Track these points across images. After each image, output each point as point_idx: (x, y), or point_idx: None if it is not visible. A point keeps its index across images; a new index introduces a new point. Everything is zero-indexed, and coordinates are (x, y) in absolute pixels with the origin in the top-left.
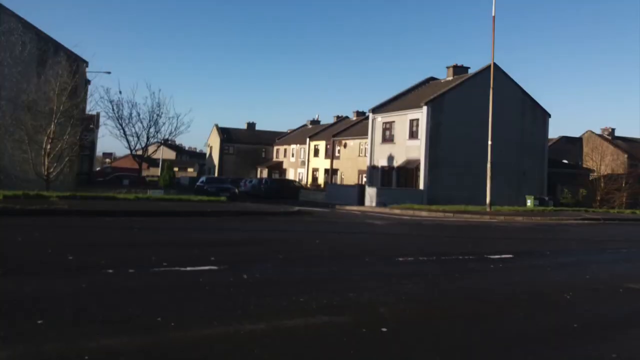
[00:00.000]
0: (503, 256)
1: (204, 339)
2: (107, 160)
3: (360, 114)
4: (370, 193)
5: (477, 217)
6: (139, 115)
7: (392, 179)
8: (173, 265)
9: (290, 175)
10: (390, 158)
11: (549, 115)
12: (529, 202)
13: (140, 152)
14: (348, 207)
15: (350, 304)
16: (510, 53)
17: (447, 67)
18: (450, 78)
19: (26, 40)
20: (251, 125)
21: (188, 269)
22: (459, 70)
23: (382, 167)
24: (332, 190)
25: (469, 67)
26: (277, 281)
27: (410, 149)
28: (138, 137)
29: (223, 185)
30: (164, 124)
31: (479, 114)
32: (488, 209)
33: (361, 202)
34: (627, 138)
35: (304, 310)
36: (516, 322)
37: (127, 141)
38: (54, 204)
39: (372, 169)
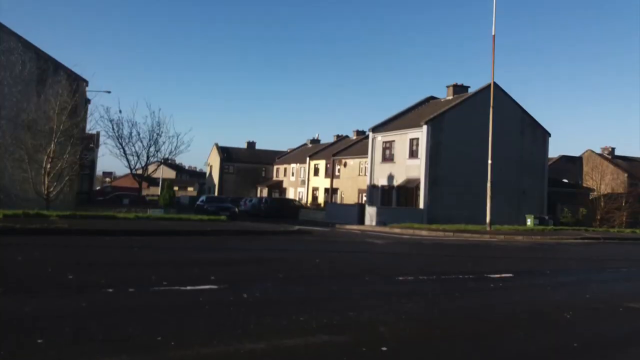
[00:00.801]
0: (503, 275)
1: (204, 358)
2: (107, 179)
3: (360, 133)
4: (370, 212)
5: (477, 236)
6: (139, 134)
7: (392, 198)
8: (173, 285)
9: (290, 194)
10: (390, 177)
11: (549, 135)
12: (528, 221)
13: (140, 171)
14: (348, 226)
15: (350, 323)
16: (510, 72)
17: (447, 87)
18: (450, 97)
19: (26, 60)
20: (251, 145)
21: (188, 288)
22: (459, 89)
23: (382, 186)
24: (332, 210)
25: (469, 87)
26: (277, 300)
27: (410, 168)
28: (138, 156)
29: (223, 204)
30: (164, 143)
31: (479, 133)
32: (488, 228)
33: (361, 221)
34: (627, 157)
35: (304, 329)
36: (516, 341)
37: (127, 160)
38: (54, 223)
39: (372, 188)
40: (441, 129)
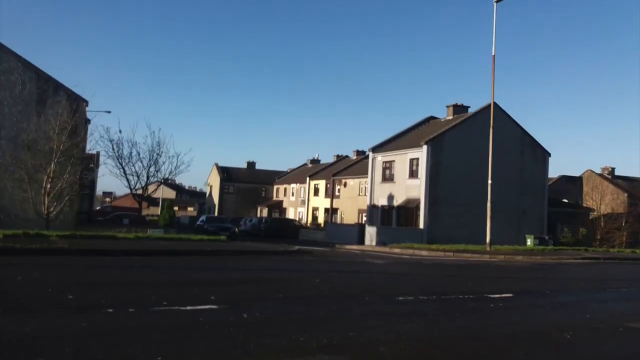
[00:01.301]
0: (503, 295)
1: None
2: (107, 199)
3: (360, 153)
4: (370, 232)
5: (477, 256)
6: (139, 154)
7: (392, 218)
8: (173, 305)
9: (290, 214)
10: (390, 197)
11: (549, 155)
12: (529, 242)
13: (140, 191)
14: (348, 246)
15: (350, 343)
16: (510, 92)
17: (447, 106)
18: (450, 117)
19: (26, 80)
20: (251, 165)
21: (188, 308)
22: (459, 109)
23: (382, 206)
24: (332, 230)
25: (469, 106)
26: (277, 320)
27: (410, 188)
28: (138, 176)
29: (223, 224)
30: (164, 163)
31: (479, 153)
32: (488, 248)
33: (361, 241)
34: (627, 177)
35: (304, 349)
36: None
37: (127, 180)
38: (54, 243)
39: (372, 208)
40: (441, 149)
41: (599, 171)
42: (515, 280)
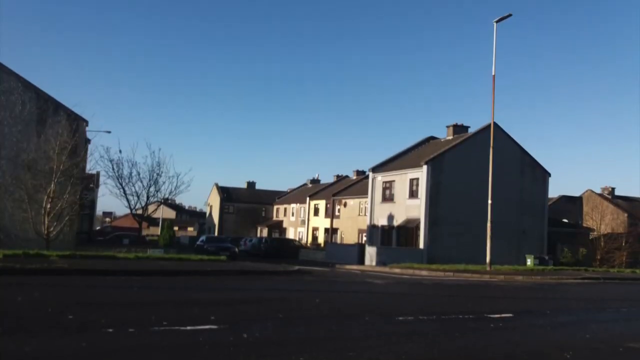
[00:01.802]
0: (503, 315)
1: None
2: (107, 219)
3: (360, 173)
4: (370, 252)
5: (477, 276)
6: (139, 174)
7: (392, 238)
8: (173, 325)
9: (290, 234)
10: (390, 217)
11: (549, 175)
12: (529, 262)
13: (140, 211)
14: (348, 266)
15: None
16: (510, 112)
17: (447, 127)
18: (450, 137)
19: (26, 100)
20: (251, 185)
21: (188, 328)
22: (458, 129)
23: (382, 226)
24: (332, 250)
25: (469, 127)
26: (277, 340)
27: (410, 208)
28: (138, 196)
29: (223, 244)
30: (164, 183)
31: (478, 173)
32: (488, 268)
33: (361, 261)
34: (627, 197)
35: None
36: None
37: (127, 200)
38: (54, 263)
39: (372, 228)
40: (441, 169)
41: (599, 191)
42: (515, 300)
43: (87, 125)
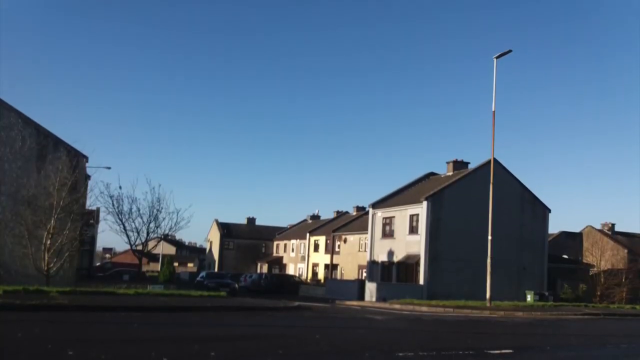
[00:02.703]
0: (503, 351)
1: None
2: (107, 255)
3: (360, 209)
4: (370, 288)
5: (477, 312)
6: (139, 210)
7: (392, 274)
8: None
9: (290, 270)
10: (390, 253)
11: (549, 211)
12: (529, 298)
13: (140, 247)
14: (348, 302)
15: None
16: (510, 147)
17: (447, 162)
18: (450, 173)
19: (26, 135)
20: (251, 221)
21: None
22: (458, 165)
23: (382, 262)
24: (332, 285)
25: (469, 162)
26: None
27: (410, 244)
28: (138, 232)
29: (223, 280)
30: (164, 219)
31: (478, 209)
32: (488, 304)
33: (361, 297)
34: (627, 233)
35: None
36: None
37: (127, 236)
38: (54, 299)
39: (372, 264)
40: (441, 205)
41: (599, 227)
42: (516, 336)
43: (87, 161)
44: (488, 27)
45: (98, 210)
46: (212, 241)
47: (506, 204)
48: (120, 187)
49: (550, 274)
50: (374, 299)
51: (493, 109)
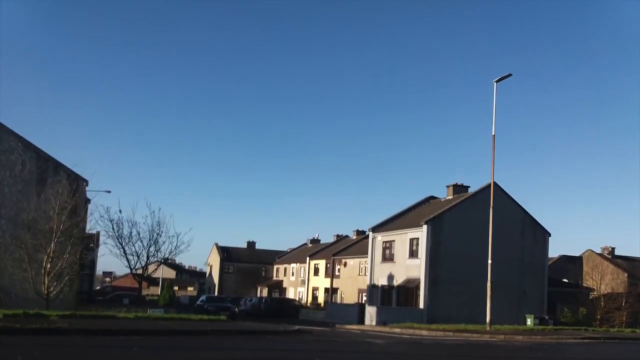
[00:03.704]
0: None
1: None
2: (107, 279)
3: (360, 232)
4: (370, 312)
5: (477, 336)
6: (139, 234)
7: (392, 298)
8: None
9: (290, 294)
10: (390, 277)
11: (549, 234)
12: (529, 321)
13: (140, 271)
14: (348, 326)
15: None
16: (510, 171)
17: (447, 186)
18: (450, 197)
19: (26, 159)
20: (251, 244)
21: None
22: (458, 189)
23: (382, 286)
24: (332, 309)
25: (469, 186)
26: None
27: (410, 267)
28: (138, 256)
29: (223, 304)
30: (164, 242)
31: (479, 233)
32: (488, 328)
33: (361, 320)
34: (628, 257)
35: None
36: None
37: (127, 260)
38: (54, 323)
39: (372, 287)
40: (441, 229)
41: (599, 251)
42: None
43: (87, 185)
44: (488, 51)
45: (98, 234)
46: (212, 265)
47: (506, 228)
48: (120, 211)
49: (550, 298)
50: (374, 323)
51: (493, 133)
